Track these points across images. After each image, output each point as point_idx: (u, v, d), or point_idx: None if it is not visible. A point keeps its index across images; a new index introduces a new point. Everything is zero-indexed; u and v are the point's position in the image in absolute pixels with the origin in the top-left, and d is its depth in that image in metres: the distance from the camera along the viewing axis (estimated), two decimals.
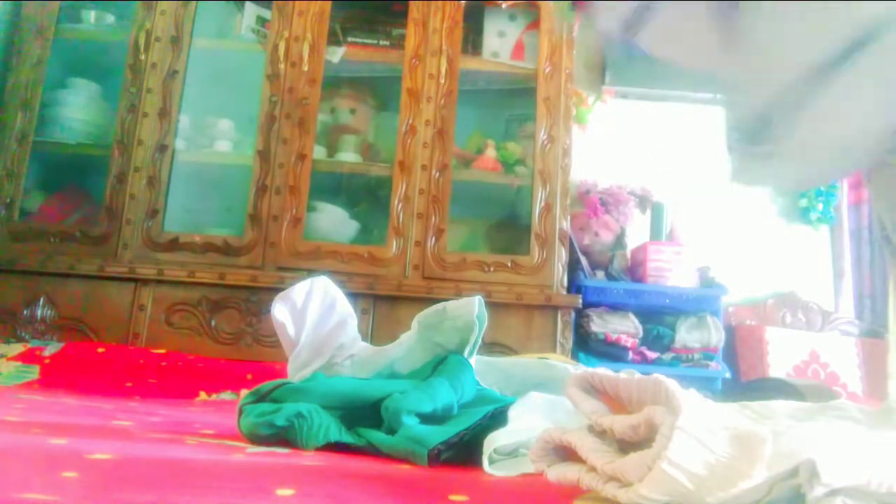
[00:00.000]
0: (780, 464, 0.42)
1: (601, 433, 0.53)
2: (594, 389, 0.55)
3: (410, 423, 0.81)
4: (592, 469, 0.50)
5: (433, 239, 2.19)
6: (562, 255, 2.21)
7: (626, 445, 0.50)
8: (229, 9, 2.43)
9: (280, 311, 1.00)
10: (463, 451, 0.77)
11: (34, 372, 1.70)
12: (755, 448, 0.42)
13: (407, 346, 1.00)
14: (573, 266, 2.36)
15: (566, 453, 0.55)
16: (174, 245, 2.15)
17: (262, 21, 2.37)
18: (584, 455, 0.51)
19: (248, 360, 1.93)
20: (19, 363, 1.74)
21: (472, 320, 0.98)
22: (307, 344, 1.00)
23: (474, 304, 0.98)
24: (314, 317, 1.01)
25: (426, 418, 0.84)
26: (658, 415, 0.45)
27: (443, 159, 2.25)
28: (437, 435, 0.77)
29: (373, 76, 2.48)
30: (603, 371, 0.55)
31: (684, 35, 0.66)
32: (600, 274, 2.50)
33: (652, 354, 2.40)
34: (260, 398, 0.91)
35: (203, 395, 1.67)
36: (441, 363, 0.96)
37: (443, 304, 1.00)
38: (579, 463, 0.52)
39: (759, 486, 0.42)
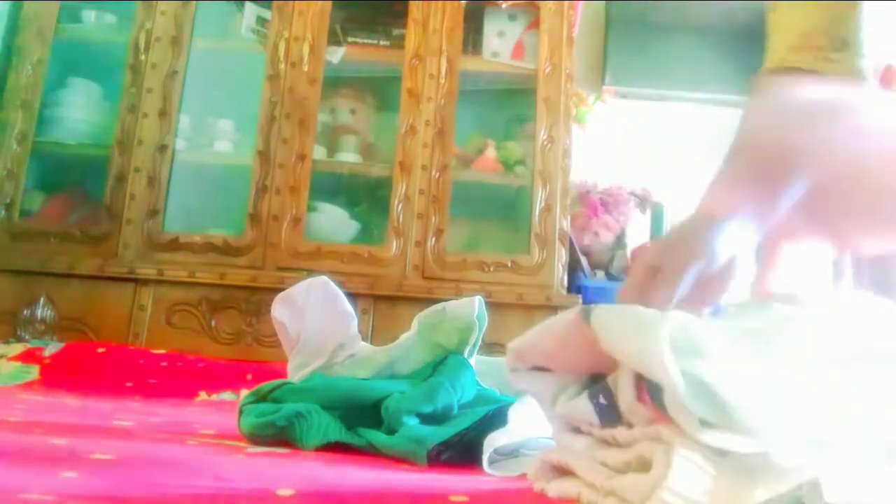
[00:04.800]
0: (782, 483, 0.42)
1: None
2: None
3: (410, 423, 0.81)
4: (592, 484, 0.50)
5: (433, 239, 2.19)
6: (562, 255, 2.21)
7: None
8: (229, 9, 2.43)
9: (280, 311, 1.00)
10: (463, 451, 0.77)
11: (34, 372, 1.70)
12: (754, 473, 0.42)
13: (407, 346, 1.00)
14: (573, 266, 2.35)
15: (566, 468, 0.55)
16: (174, 245, 2.15)
17: (262, 21, 2.37)
18: (580, 474, 0.51)
19: (248, 360, 1.93)
20: (19, 363, 1.74)
21: (473, 320, 0.98)
22: (307, 344, 1.00)
23: (474, 304, 0.98)
24: (314, 317, 1.01)
25: (426, 418, 0.84)
26: (648, 451, 0.45)
27: (443, 159, 2.24)
28: (436, 435, 0.77)
29: (373, 76, 2.47)
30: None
31: None
32: (600, 274, 2.49)
33: None
34: (260, 398, 0.91)
35: (203, 395, 1.67)
36: (441, 363, 0.96)
37: (443, 304, 1.00)
38: (579, 478, 0.53)
39: None
